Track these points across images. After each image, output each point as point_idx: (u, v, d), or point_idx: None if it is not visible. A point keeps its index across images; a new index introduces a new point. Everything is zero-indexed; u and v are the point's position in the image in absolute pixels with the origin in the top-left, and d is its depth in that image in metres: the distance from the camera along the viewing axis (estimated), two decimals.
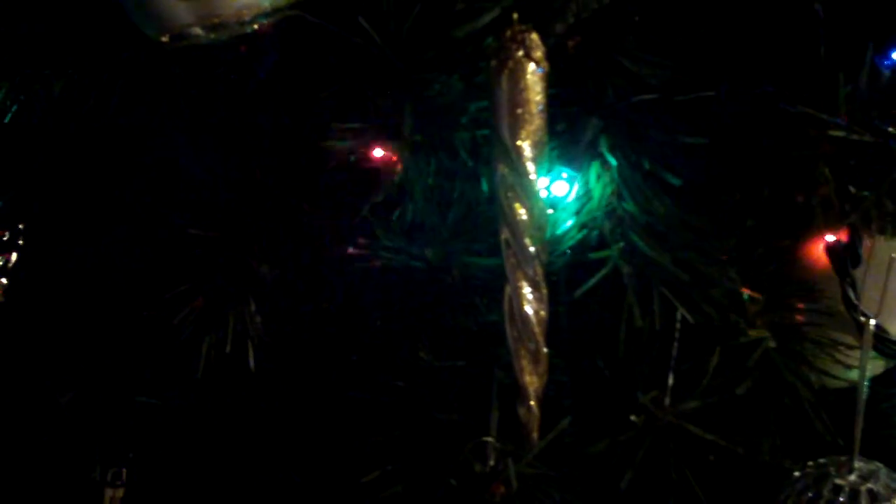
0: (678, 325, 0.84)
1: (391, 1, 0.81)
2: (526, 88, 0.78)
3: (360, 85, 0.84)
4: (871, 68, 0.78)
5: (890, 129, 0.78)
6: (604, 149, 0.83)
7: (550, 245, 0.82)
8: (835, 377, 0.87)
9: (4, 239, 1.00)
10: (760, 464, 0.85)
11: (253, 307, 0.91)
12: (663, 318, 0.82)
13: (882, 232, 0.82)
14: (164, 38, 0.85)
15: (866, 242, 0.84)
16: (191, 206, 0.93)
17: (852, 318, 0.85)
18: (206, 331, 0.90)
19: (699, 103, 0.83)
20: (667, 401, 0.85)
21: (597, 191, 0.84)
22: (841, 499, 0.80)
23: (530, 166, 0.79)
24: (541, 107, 0.79)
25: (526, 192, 0.79)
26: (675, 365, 0.85)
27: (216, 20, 0.83)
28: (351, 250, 0.89)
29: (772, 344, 0.85)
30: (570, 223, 0.84)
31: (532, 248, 0.80)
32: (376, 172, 0.87)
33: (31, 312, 1.04)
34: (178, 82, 0.93)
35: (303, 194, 0.91)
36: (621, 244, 0.82)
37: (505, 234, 0.80)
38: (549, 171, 0.82)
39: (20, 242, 1.01)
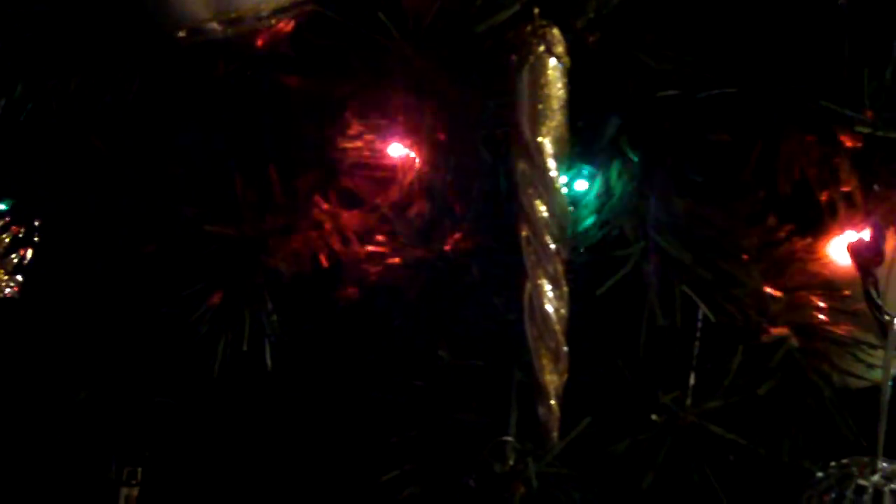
0: (700, 325, 0.84)
1: None
2: (547, 84, 0.78)
3: (379, 81, 0.84)
4: None
5: None
6: (625, 145, 0.83)
7: (571, 243, 0.82)
8: (858, 377, 0.86)
9: (20, 236, 1.00)
10: (782, 464, 0.84)
11: (270, 305, 0.91)
12: (685, 316, 0.81)
13: None
14: (181, 33, 0.84)
15: (889, 241, 0.84)
16: (207, 202, 0.92)
17: (875, 318, 0.84)
18: (223, 329, 0.90)
19: (721, 100, 0.82)
20: (688, 401, 0.84)
21: (618, 188, 0.83)
22: (864, 499, 0.80)
23: (551, 163, 0.78)
24: (562, 103, 0.78)
25: (546, 188, 0.79)
26: (697, 364, 0.84)
27: (233, 15, 0.83)
28: (369, 248, 0.89)
29: (794, 343, 0.85)
30: (590, 221, 0.84)
31: (553, 246, 0.79)
32: (395, 170, 0.86)
33: (46, 309, 1.04)
34: (194, 78, 0.92)
35: (320, 191, 0.90)
36: (642, 242, 0.81)
37: (525, 232, 0.80)
38: (569, 167, 0.82)
39: (35, 239, 1.01)
